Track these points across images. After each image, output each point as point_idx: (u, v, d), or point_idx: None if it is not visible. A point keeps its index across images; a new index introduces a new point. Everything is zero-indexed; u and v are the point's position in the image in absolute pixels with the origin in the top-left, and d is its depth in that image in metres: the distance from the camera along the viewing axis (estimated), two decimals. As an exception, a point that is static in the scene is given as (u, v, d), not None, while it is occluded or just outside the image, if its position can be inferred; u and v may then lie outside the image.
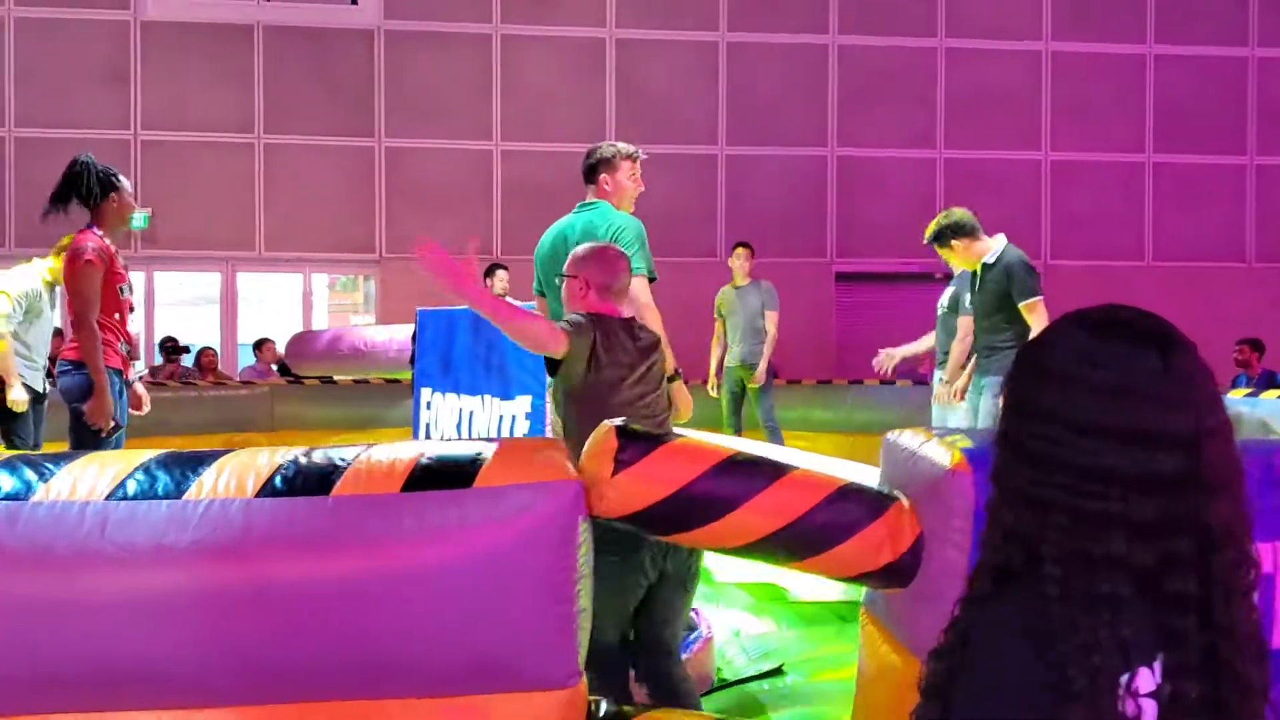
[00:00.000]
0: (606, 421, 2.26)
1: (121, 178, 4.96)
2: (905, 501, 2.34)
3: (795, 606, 4.58)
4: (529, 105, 12.53)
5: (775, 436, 8.32)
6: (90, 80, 11.95)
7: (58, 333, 10.39)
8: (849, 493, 2.30)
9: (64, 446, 6.73)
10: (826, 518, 2.25)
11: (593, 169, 4.24)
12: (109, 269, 4.75)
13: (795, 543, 2.26)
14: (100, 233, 4.81)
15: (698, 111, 12.79)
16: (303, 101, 12.26)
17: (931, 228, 5.95)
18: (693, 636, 3.57)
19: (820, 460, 5.39)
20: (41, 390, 6.11)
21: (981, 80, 13.06)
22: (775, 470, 2.29)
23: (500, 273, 9.20)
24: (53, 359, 6.25)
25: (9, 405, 5.94)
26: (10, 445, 6.09)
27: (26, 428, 6.05)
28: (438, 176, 12.44)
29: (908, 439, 2.48)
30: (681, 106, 12.70)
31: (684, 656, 3.37)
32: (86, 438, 4.70)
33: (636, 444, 2.19)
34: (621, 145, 4.33)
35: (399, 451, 2.03)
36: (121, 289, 4.87)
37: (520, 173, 12.40)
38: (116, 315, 4.82)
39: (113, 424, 4.72)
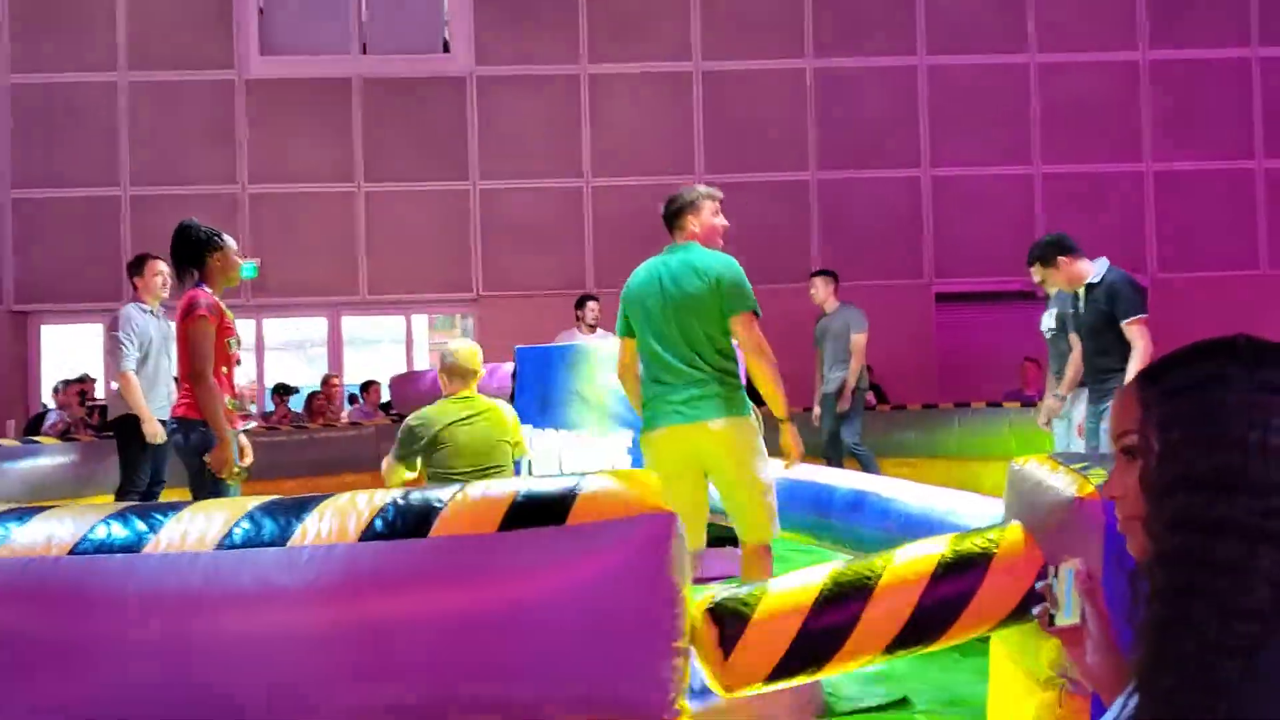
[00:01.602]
0: (698, 603, 2.25)
1: (225, 237, 5.07)
2: (1017, 534, 2.29)
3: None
4: (618, 141, 12.66)
5: (868, 463, 8.17)
6: (199, 138, 12.43)
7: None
8: (951, 560, 2.28)
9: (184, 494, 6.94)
10: (938, 596, 2.24)
11: (677, 214, 4.25)
12: (220, 324, 4.88)
13: (921, 632, 2.25)
14: (209, 290, 4.93)
15: (787, 138, 12.77)
16: (400, 149, 12.57)
17: (1035, 249, 5.86)
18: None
19: (927, 490, 5.30)
20: (165, 420, 6.27)
21: (1077, 93, 12.80)
22: (873, 573, 2.28)
23: (591, 304, 9.28)
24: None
25: (148, 439, 6.13)
26: (126, 480, 6.25)
27: (144, 468, 6.22)
28: (531, 215, 12.63)
29: (1033, 468, 2.43)
30: (771, 134, 12.71)
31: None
32: (207, 490, 4.83)
33: (733, 616, 2.20)
34: (700, 187, 4.37)
35: (493, 491, 2.05)
36: (230, 343, 4.98)
37: (611, 207, 12.52)
38: (224, 369, 4.94)
39: (237, 471, 4.84)
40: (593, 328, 9.11)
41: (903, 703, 3.81)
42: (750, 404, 4.11)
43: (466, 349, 4.99)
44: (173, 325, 5.97)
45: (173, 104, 12.44)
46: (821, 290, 8.56)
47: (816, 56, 12.82)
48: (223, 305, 4.96)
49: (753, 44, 12.76)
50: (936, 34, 12.85)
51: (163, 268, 6.41)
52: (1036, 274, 5.91)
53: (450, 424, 4.76)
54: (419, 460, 4.82)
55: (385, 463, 4.96)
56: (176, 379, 5.91)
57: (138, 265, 6.55)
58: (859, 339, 8.34)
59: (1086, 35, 12.85)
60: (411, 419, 4.89)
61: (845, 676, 4.16)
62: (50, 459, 8.45)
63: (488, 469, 4.78)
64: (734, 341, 4.12)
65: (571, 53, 12.71)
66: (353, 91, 12.63)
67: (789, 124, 12.78)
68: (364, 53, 12.76)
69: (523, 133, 12.62)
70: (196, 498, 4.87)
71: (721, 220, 4.30)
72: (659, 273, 4.15)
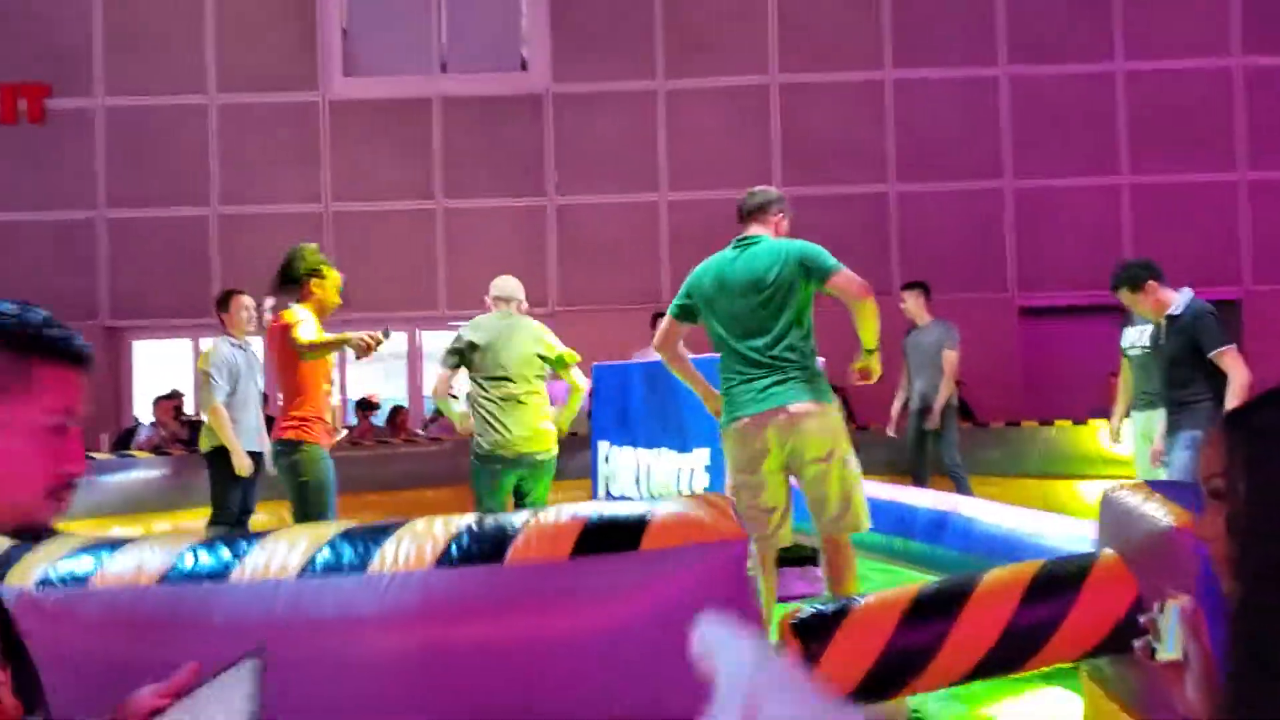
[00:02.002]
0: (781, 618, 2.22)
1: (330, 268, 5.26)
2: (1111, 562, 2.24)
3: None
4: (694, 155, 12.65)
5: (961, 484, 7.98)
6: (284, 158, 12.70)
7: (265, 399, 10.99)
8: (1041, 585, 2.23)
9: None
10: (1029, 620, 2.19)
11: (763, 207, 4.28)
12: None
13: (1008, 657, 2.20)
14: (308, 311, 5.09)
15: (865, 150, 12.65)
16: (478, 166, 12.71)
17: (1122, 271, 5.74)
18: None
19: (1012, 511, 5.18)
20: (256, 451, 6.41)
21: (1166, 101, 12.48)
22: (960, 594, 2.23)
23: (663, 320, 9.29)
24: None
25: (237, 471, 6.26)
26: (217, 510, 6.39)
27: (235, 498, 6.34)
28: (607, 230, 12.67)
29: (1127, 496, 2.38)
30: (849, 146, 12.60)
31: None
32: (309, 508, 4.98)
33: (818, 633, 2.16)
34: (775, 192, 4.42)
35: (566, 516, 2.05)
36: (329, 361, 5.14)
37: (687, 221, 12.50)
38: (325, 386, 5.10)
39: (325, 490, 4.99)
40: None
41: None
42: (833, 393, 4.10)
43: (508, 280, 6.21)
44: (259, 355, 6.14)
45: (259, 125, 12.73)
46: (913, 304, 8.33)
47: (895, 68, 12.69)
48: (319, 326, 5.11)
49: (830, 56, 12.68)
50: (1018, 43, 12.64)
51: (248, 302, 6.57)
52: (1124, 298, 5.78)
53: (490, 336, 5.79)
54: (459, 359, 5.80)
55: (437, 376, 5.97)
56: (265, 396, 6.03)
57: (224, 301, 6.68)
58: (951, 356, 8.13)
59: (1176, 42, 12.54)
60: (463, 327, 5.93)
61: (932, 702, 4.08)
62: (143, 472, 8.69)
63: (517, 377, 5.75)
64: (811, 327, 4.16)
65: (647, 68, 12.75)
66: (433, 110, 12.80)
67: (867, 136, 12.67)
68: (443, 72, 12.94)
69: (599, 149, 12.68)
70: (297, 515, 5.01)
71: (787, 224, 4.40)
72: (731, 265, 4.16)
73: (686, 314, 4.33)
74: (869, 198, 12.62)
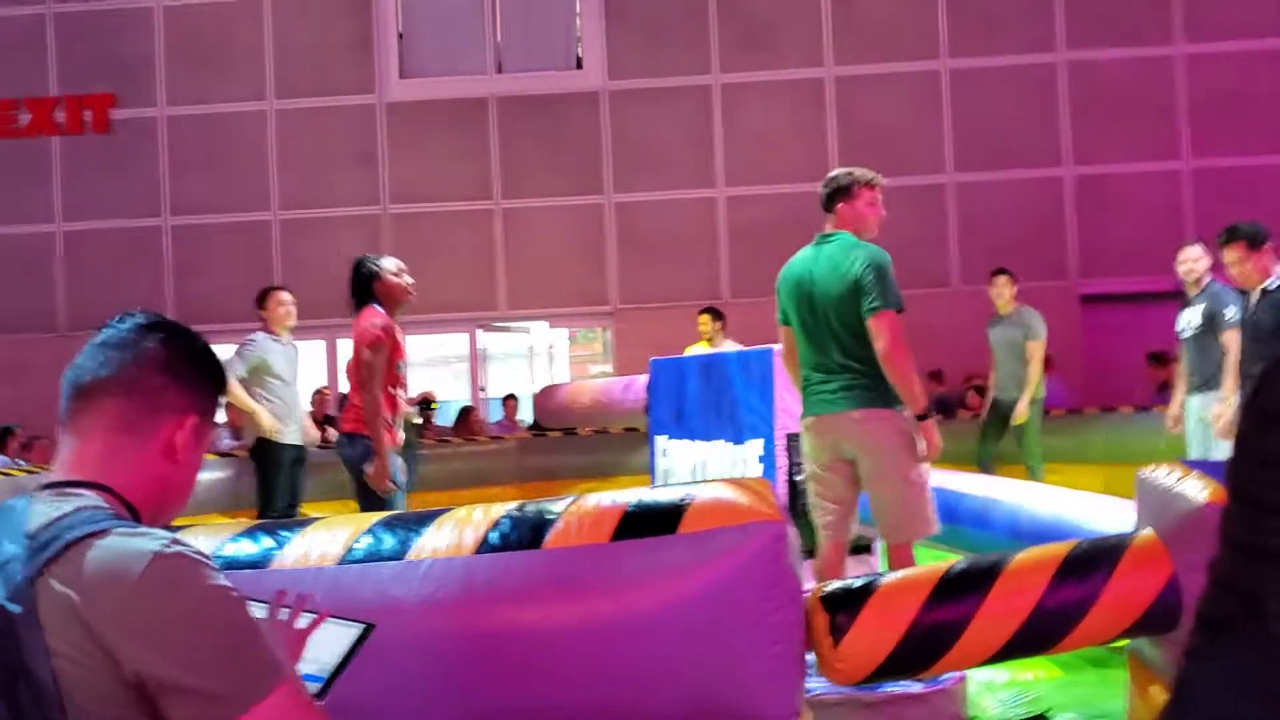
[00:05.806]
0: (811, 592, 2.24)
1: (382, 262, 5.28)
2: (1147, 541, 2.23)
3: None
4: (751, 150, 12.64)
5: (1035, 477, 7.86)
6: (343, 161, 12.89)
7: (318, 391, 11.17)
8: (1074, 563, 2.23)
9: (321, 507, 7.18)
10: (1060, 598, 2.19)
11: (830, 198, 4.20)
12: (392, 345, 5.10)
13: (1039, 635, 2.20)
14: (382, 309, 5.16)
15: (923, 141, 12.56)
16: (535, 165, 12.80)
17: (1247, 225, 5.63)
18: (947, 674, 3.47)
19: (1059, 495, 5.15)
20: (299, 444, 6.55)
21: (1227, 84, 12.23)
22: (991, 571, 2.23)
23: (702, 317, 9.38)
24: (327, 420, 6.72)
25: (269, 434, 6.41)
26: (264, 503, 6.51)
27: (280, 484, 6.46)
28: (665, 226, 12.70)
29: (1162, 475, 2.38)
30: (906, 137, 12.51)
31: (937, 688, 3.29)
32: (372, 500, 5.03)
33: (847, 605, 2.18)
34: (860, 172, 4.26)
35: (606, 501, 2.08)
36: (399, 365, 5.19)
37: (745, 216, 12.50)
38: (391, 388, 5.13)
39: (393, 486, 5.03)
40: (709, 340, 9.17)
41: (1042, 718, 3.73)
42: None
43: None
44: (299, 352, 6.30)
45: (318, 129, 12.94)
46: (1006, 290, 8.18)
47: (951, 57, 12.58)
48: (396, 328, 5.15)
49: (885, 47, 12.59)
50: (1075, 29, 12.46)
51: (285, 298, 6.68)
52: (1233, 252, 5.62)
53: None
54: None
55: None
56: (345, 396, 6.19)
57: (261, 298, 6.81)
58: (1034, 347, 7.98)
59: (1235, 22, 12.28)
60: None
61: (986, 692, 4.08)
62: (209, 474, 8.85)
63: None
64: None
65: (703, 64, 12.76)
66: (489, 110, 12.92)
67: (924, 127, 12.57)
68: (499, 72, 13.06)
69: (656, 145, 12.72)
70: (363, 507, 5.06)
71: (877, 211, 4.22)
72: (807, 266, 4.12)
73: (787, 319, 4.24)
74: (927, 189, 12.52)
